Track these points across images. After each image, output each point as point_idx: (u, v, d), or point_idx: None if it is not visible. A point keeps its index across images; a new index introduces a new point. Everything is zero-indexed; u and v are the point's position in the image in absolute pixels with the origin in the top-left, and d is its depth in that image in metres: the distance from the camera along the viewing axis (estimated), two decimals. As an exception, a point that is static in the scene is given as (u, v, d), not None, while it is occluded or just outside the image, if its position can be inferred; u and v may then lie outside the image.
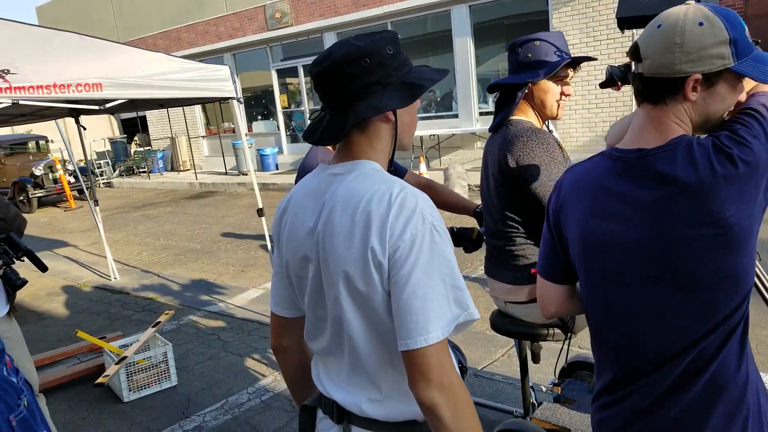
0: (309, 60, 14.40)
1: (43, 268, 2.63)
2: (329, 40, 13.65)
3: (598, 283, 1.27)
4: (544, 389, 2.84)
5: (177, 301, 5.63)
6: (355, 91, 1.15)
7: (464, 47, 11.69)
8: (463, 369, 1.37)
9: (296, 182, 2.41)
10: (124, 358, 3.63)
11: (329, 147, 2.38)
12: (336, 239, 1.14)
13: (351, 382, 1.23)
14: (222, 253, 7.33)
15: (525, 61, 2.10)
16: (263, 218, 4.90)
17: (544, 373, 3.31)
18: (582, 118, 10.40)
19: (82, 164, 10.31)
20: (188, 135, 16.58)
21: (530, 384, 2.47)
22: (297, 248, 1.24)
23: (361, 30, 13.10)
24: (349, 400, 1.23)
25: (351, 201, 1.14)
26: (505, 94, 2.18)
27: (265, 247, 5.39)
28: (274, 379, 3.78)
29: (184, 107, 15.64)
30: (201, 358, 4.22)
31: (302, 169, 2.40)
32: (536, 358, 2.46)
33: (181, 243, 8.24)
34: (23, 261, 2.54)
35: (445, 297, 1.07)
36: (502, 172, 2.07)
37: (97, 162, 17.15)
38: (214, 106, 16.43)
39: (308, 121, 14.90)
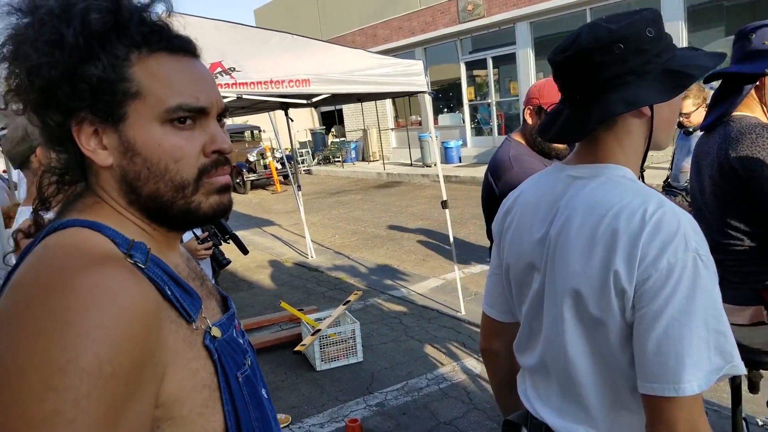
0: (498, 51, 14.22)
1: (244, 251, 3.00)
2: (521, 30, 13.31)
3: None
4: (759, 423, 2.50)
5: (364, 282, 6.00)
6: (604, 81, 1.00)
7: (675, 32, 10.58)
8: None
9: (486, 176, 2.41)
10: (318, 330, 3.98)
11: (523, 142, 2.33)
12: (570, 253, 1.01)
13: (563, 409, 1.11)
14: (405, 241, 7.63)
15: (761, 49, 1.84)
16: (447, 210, 4.99)
17: (758, 405, 2.91)
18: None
19: (287, 152, 11.44)
20: (378, 127, 17.47)
21: (743, 415, 2.19)
22: (522, 254, 1.14)
23: (557, 20, 12.56)
24: (562, 426, 1.10)
25: (593, 212, 1.00)
26: (728, 86, 1.94)
27: (446, 238, 5.48)
28: (452, 369, 3.86)
29: (377, 101, 16.52)
30: (384, 339, 4.46)
31: (492, 164, 2.37)
32: (754, 388, 2.16)
33: (368, 229, 8.75)
34: (228, 243, 2.93)
35: (706, 343, 0.90)
36: (724, 174, 1.85)
37: (300, 151, 18.92)
38: (403, 100, 17.08)
39: (494, 114, 14.76)
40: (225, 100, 4.28)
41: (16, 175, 7.19)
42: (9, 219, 3.75)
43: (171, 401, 0.67)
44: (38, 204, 0.79)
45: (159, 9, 0.76)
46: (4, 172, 8.29)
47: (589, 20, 12.92)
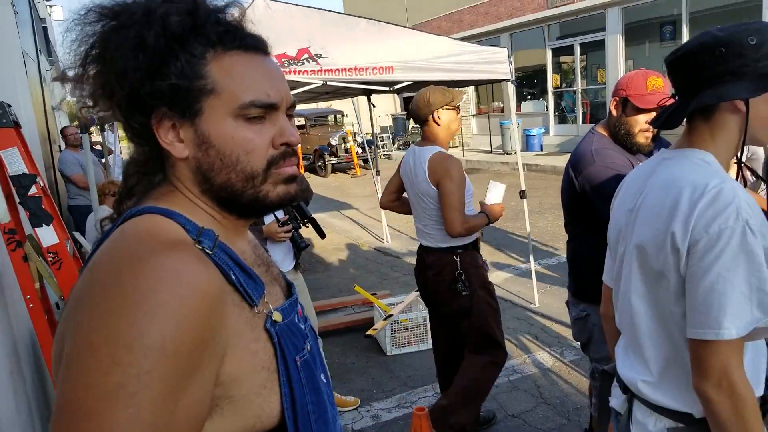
0: (587, 38, 13.64)
1: (322, 235, 3.10)
2: (612, 16, 12.68)
3: None
4: None
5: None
6: (704, 79, 1.17)
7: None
8: None
9: (566, 169, 2.35)
10: (390, 315, 4.05)
11: (606, 134, 2.25)
12: (643, 219, 1.21)
13: (629, 359, 1.29)
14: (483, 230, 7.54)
15: None
16: (525, 200, 4.89)
17: None
18: None
19: (368, 137, 11.60)
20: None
21: None
22: (617, 223, 1.36)
23: (650, 5, 11.84)
24: (628, 377, 1.29)
25: (666, 186, 1.19)
26: None
27: (523, 228, 5.37)
28: (522, 362, 3.81)
29: (459, 87, 16.32)
30: (455, 328, 4.46)
31: (574, 157, 2.29)
32: None
33: (444, 216, 8.71)
34: (308, 227, 3.02)
35: (748, 298, 1.06)
36: None
37: (380, 135, 19.08)
38: (486, 86, 16.76)
39: (579, 102, 14.20)
40: (310, 87, 4.44)
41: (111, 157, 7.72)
42: (104, 196, 4.07)
43: (230, 380, 0.70)
44: (121, 192, 0.85)
45: (233, 10, 0.80)
46: (100, 146, 8.94)
47: (685, 6, 12.07)
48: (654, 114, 2.10)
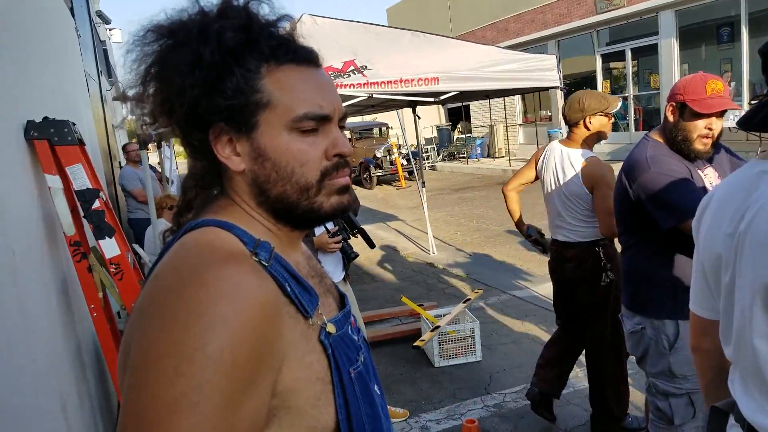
0: (638, 42, 13.29)
1: (371, 245, 3.13)
2: (665, 19, 12.32)
3: None
4: None
5: (485, 280, 5.95)
6: None
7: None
8: None
9: (619, 177, 2.28)
10: (438, 327, 4.03)
11: (662, 141, 2.18)
12: (759, 247, 1.03)
13: (755, 401, 1.14)
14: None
15: None
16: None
17: None
18: None
19: (413, 149, 11.63)
20: (506, 123, 17.12)
21: None
22: (713, 249, 1.18)
23: (705, 7, 11.45)
24: (759, 421, 1.13)
25: None
26: None
27: (575, 240, 5.24)
28: (575, 375, 3.70)
29: (505, 97, 16.21)
30: (504, 340, 4.41)
31: (628, 164, 2.22)
32: None
33: (491, 226, 8.63)
34: (357, 237, 3.05)
35: None
36: None
37: (425, 147, 19.09)
38: (532, 95, 16.55)
39: (632, 109, 13.83)
40: (356, 100, 4.50)
41: (168, 169, 8.01)
42: (161, 210, 4.23)
43: (287, 391, 0.71)
44: (180, 205, 0.87)
45: (285, 24, 0.81)
46: (159, 164, 9.33)
47: (744, 7, 11.58)
48: (713, 119, 2.04)
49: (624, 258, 2.35)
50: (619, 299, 2.64)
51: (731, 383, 1.24)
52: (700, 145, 2.07)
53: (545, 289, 5.46)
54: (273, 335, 0.69)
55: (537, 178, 3.19)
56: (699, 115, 2.02)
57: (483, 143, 18.41)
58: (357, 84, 4.26)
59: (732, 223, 1.11)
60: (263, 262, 0.73)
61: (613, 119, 2.97)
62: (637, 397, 3.28)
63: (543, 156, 3.09)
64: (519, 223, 3.36)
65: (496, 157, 17.76)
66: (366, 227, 3.22)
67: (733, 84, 11.20)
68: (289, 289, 0.73)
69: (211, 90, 0.75)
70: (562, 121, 5.59)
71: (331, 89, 0.82)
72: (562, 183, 2.90)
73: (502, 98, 16.79)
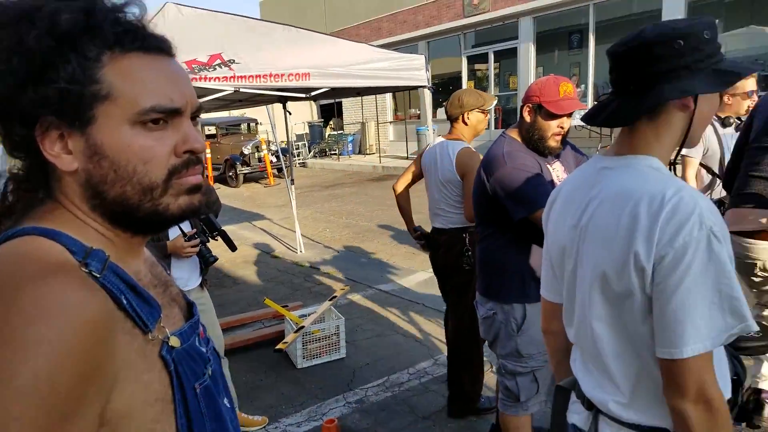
0: (500, 46, 14.14)
1: (232, 247, 2.93)
2: (524, 25, 13.22)
3: None
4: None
5: (353, 277, 5.91)
6: (661, 73, 1.09)
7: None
8: (738, 382, 1.26)
9: (478, 172, 2.36)
10: (302, 327, 3.88)
11: (518, 138, 2.28)
12: (596, 239, 1.13)
13: (594, 378, 1.24)
14: (397, 235, 7.53)
15: None
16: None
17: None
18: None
19: (283, 145, 11.35)
20: (377, 120, 17.37)
21: None
22: (559, 239, 1.27)
23: (560, 15, 12.42)
24: (597, 397, 1.23)
25: (618, 200, 1.10)
26: None
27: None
28: (434, 362, 3.77)
29: (377, 94, 16.46)
30: (368, 334, 4.37)
31: (486, 160, 2.32)
32: None
33: (361, 222, 8.66)
34: (217, 240, 2.83)
35: (719, 307, 1.02)
36: None
37: (296, 143, 18.82)
38: (403, 93, 16.98)
39: (492, 109, 14.65)
40: (221, 94, 4.21)
41: None
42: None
43: (118, 418, 0.64)
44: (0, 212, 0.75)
45: (135, 9, 0.73)
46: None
47: (592, 16, 12.79)
48: (565, 119, 2.19)
49: (480, 248, 2.45)
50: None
51: (573, 362, 1.34)
52: (554, 143, 2.21)
53: (409, 281, 5.54)
54: (102, 357, 0.62)
55: (422, 173, 3.31)
56: (554, 116, 2.16)
57: (355, 140, 18.53)
58: (223, 78, 4.00)
59: (576, 215, 1.20)
60: (94, 274, 0.65)
61: (488, 115, 3.14)
62: (489, 379, 3.39)
63: (426, 150, 3.22)
64: (408, 220, 3.47)
65: (367, 154, 17.96)
66: (229, 228, 3.01)
67: (582, 86, 12.28)
68: (125, 301, 0.67)
69: (37, 80, 0.66)
70: (430, 120, 5.71)
71: (184, 80, 0.76)
72: (439, 171, 3.04)
73: (373, 96, 17.05)
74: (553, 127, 2.17)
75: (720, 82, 1.09)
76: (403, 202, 3.46)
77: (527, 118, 2.22)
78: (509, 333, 2.31)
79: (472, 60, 15.24)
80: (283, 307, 4.39)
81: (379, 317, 4.72)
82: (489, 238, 2.36)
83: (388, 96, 17.66)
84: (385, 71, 4.66)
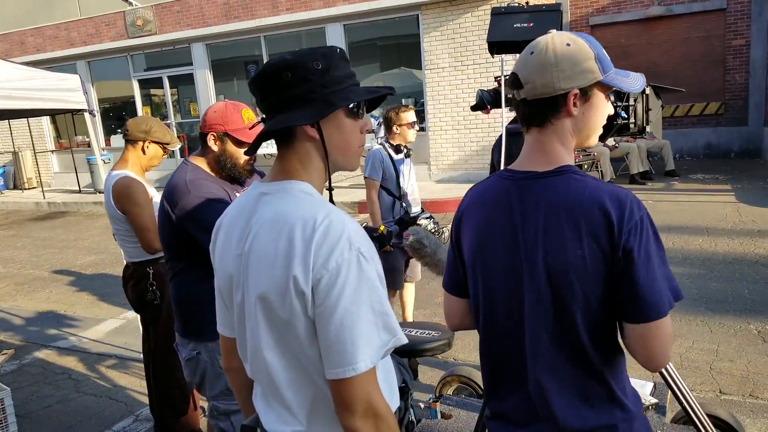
0: (175, 71, 13.68)
1: None
2: (198, 51, 13.07)
3: None
4: (422, 405, 2.83)
5: (19, 337, 4.96)
6: (276, 104, 1.14)
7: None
8: (406, 389, 1.35)
9: (161, 202, 2.20)
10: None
11: (204, 167, 2.21)
12: (258, 265, 1.11)
13: (273, 411, 1.21)
14: (75, 281, 6.61)
15: None
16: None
17: (422, 389, 3.32)
18: (452, 139, 10.88)
19: None
20: (34, 149, 14.93)
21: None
22: (226, 270, 1.22)
23: (234, 42, 12.70)
24: (279, 430, 1.19)
25: (276, 225, 1.11)
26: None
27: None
28: (134, 419, 3.42)
29: (29, 119, 14.11)
30: (48, 402, 3.72)
31: (168, 189, 2.18)
32: (414, 374, 2.44)
33: (24, 270, 7.33)
34: None
35: (374, 324, 1.06)
36: None
37: None
38: (65, 118, 14.97)
39: (175, 135, 14.12)
40: None
41: None
42: None
43: None
44: None
45: None
46: None
47: (264, 47, 13.36)
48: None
49: (173, 285, 2.29)
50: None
51: (255, 399, 1.30)
52: (248, 168, 2.21)
53: (96, 332, 4.92)
54: None
55: None
56: (242, 144, 2.15)
57: (6, 173, 15.59)
58: None
59: (239, 243, 1.18)
60: None
61: (166, 156, 3.08)
62: (204, 421, 3.24)
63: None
64: None
65: (25, 189, 15.29)
66: None
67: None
68: None
69: None
70: (97, 148, 5.17)
71: None
72: (106, 205, 2.89)
73: (26, 121, 14.61)
74: (241, 154, 2.18)
75: (316, 113, 1.11)
76: None
77: (214, 147, 2.17)
78: (217, 372, 2.19)
79: (145, 84, 14.38)
80: None
81: (60, 380, 4.06)
82: (183, 273, 2.23)
83: (46, 121, 15.38)
84: (31, 91, 4.02)
